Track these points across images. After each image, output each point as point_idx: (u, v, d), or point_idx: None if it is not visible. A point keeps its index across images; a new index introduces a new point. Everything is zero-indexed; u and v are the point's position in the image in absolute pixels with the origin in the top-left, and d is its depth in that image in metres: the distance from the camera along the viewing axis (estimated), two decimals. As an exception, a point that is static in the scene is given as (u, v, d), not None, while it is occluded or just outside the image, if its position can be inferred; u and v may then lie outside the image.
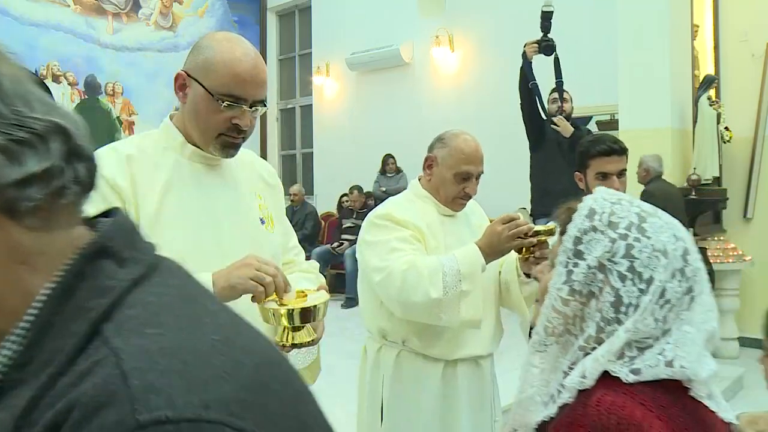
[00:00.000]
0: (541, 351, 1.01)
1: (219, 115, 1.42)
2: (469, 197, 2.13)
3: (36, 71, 8.52)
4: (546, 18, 4.85)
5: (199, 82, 1.43)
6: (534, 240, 1.94)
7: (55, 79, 8.75)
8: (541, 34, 4.96)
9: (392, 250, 1.97)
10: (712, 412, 0.94)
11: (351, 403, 2.30)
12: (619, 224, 0.95)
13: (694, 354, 0.92)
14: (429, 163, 2.15)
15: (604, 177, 2.30)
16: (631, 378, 0.91)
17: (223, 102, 1.41)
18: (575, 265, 0.95)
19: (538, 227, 1.95)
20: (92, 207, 1.37)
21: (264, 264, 1.35)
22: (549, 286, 0.99)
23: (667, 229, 0.95)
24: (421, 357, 2.08)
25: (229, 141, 1.46)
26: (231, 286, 1.32)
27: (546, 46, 4.93)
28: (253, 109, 1.45)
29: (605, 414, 0.86)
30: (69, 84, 8.91)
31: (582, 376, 0.93)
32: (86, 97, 9.08)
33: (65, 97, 8.85)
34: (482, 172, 2.15)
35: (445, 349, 2.08)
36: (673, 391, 0.91)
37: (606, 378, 0.92)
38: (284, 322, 1.32)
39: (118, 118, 9.35)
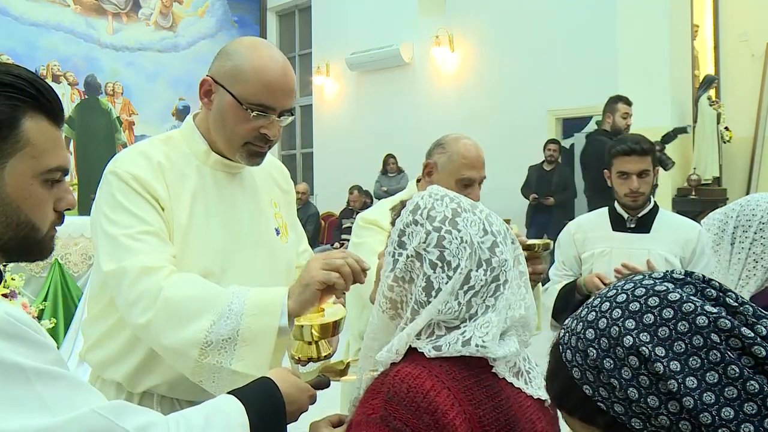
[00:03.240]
0: (376, 335, 1.09)
1: (247, 125, 1.38)
2: None
3: (36, 71, 8.52)
4: (676, 134, 4.90)
5: (227, 90, 1.38)
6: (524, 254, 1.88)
7: (55, 79, 8.75)
8: (663, 141, 4.97)
9: (375, 253, 1.95)
10: (517, 389, 1.03)
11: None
12: (436, 218, 1.04)
13: (491, 335, 1.00)
14: (428, 170, 2.04)
15: (624, 176, 2.30)
16: (432, 353, 1.00)
17: (252, 111, 1.37)
18: (399, 254, 1.05)
19: (532, 241, 1.89)
20: (139, 208, 1.33)
21: (330, 257, 1.31)
22: (380, 273, 1.09)
23: (477, 224, 1.04)
24: None
25: (255, 150, 1.43)
26: (305, 285, 1.27)
27: (661, 160, 5.00)
28: (282, 118, 1.42)
29: (399, 382, 0.96)
30: (69, 84, 8.92)
31: (389, 350, 1.02)
32: (86, 97, 9.08)
33: (65, 97, 8.85)
34: (484, 177, 2.06)
35: None
36: (474, 368, 1.00)
37: (414, 353, 1.01)
38: (301, 337, 1.31)
39: (118, 118, 9.35)
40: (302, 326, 1.30)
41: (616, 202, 2.43)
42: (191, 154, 1.46)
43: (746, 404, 0.62)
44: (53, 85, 8.67)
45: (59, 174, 0.93)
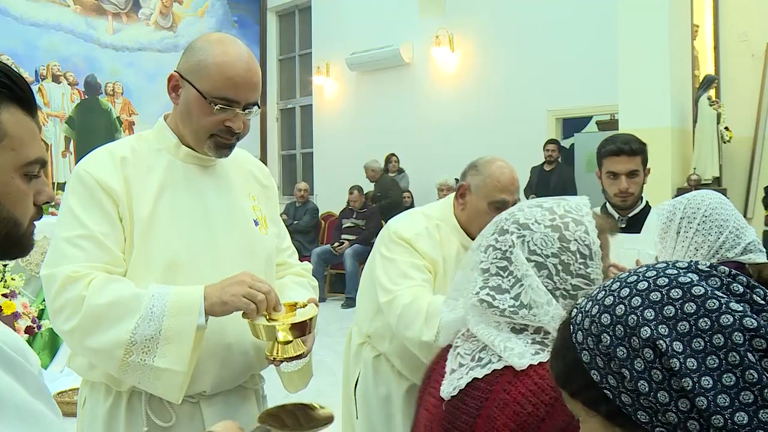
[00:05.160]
0: None
1: (211, 117, 1.42)
2: None
3: (36, 71, 8.53)
4: None
5: (191, 84, 1.42)
6: None
7: (55, 79, 8.75)
8: None
9: (403, 275, 1.92)
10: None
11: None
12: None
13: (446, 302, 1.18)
14: (462, 192, 2.02)
15: (614, 176, 2.30)
16: None
17: (215, 105, 1.40)
18: None
19: None
20: (85, 210, 1.38)
21: (258, 282, 1.36)
22: None
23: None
24: (395, 369, 2.09)
25: (221, 141, 1.46)
26: (223, 302, 1.33)
27: None
28: (246, 111, 1.45)
29: None
30: (69, 84, 8.92)
31: None
32: (86, 97, 9.08)
33: (65, 97, 8.86)
34: (518, 200, 2.01)
35: (418, 376, 2.09)
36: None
37: None
38: (273, 337, 1.34)
39: (118, 118, 9.35)
40: (274, 326, 1.33)
41: (607, 202, 2.43)
42: (162, 149, 1.50)
43: (762, 411, 0.59)
44: (53, 85, 8.71)
45: (38, 167, 0.89)
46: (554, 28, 7.36)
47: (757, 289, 0.65)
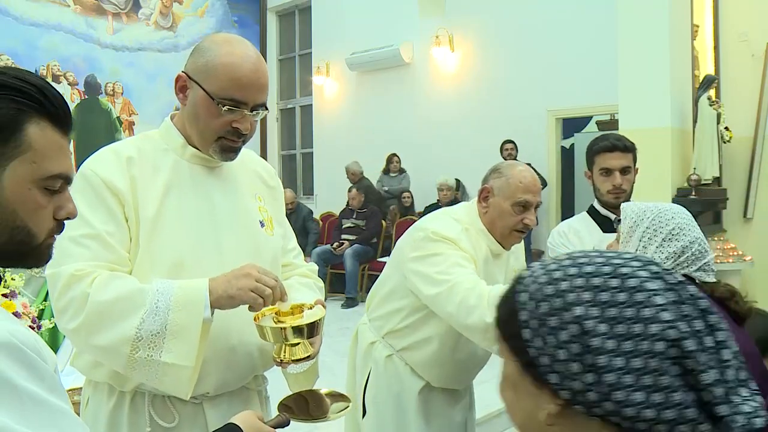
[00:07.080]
0: None
1: (219, 119, 1.41)
2: (528, 229, 2.04)
3: (36, 71, 8.52)
4: None
5: (199, 85, 1.41)
6: None
7: (55, 79, 8.75)
8: None
9: (457, 265, 1.89)
10: None
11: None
12: None
13: None
14: (485, 195, 2.05)
15: (607, 173, 2.32)
16: None
17: (223, 106, 1.40)
18: None
19: None
20: (91, 209, 1.38)
21: (264, 275, 1.34)
22: None
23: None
24: (408, 368, 2.09)
25: (228, 144, 1.45)
26: (230, 296, 1.32)
27: None
28: (254, 113, 1.44)
29: None
30: (69, 84, 8.91)
31: None
32: (86, 97, 9.08)
33: (65, 97, 8.85)
34: (540, 203, 2.06)
35: (437, 376, 2.09)
36: None
37: None
38: (281, 339, 1.33)
39: (118, 118, 9.35)
40: (282, 329, 1.31)
41: (595, 203, 2.43)
42: (169, 149, 1.49)
43: (654, 393, 0.67)
44: (53, 85, 8.73)
45: (60, 182, 0.92)
46: (554, 28, 7.36)
47: (691, 286, 0.72)
